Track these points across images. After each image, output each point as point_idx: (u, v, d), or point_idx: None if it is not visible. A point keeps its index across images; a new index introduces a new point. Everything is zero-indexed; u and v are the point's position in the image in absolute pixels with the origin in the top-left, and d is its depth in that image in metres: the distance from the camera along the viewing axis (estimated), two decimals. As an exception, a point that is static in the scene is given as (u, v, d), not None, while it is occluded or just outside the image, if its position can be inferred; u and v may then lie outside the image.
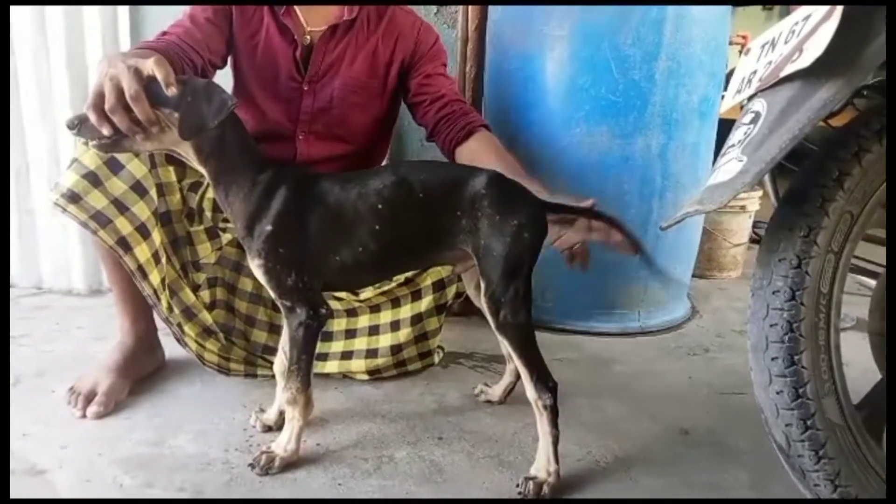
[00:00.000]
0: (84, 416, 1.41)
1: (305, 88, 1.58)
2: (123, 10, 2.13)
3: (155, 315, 1.59)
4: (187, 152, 1.21)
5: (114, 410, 1.44)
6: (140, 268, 1.41)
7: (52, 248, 2.23)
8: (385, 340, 1.66)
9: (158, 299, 1.46)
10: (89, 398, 1.43)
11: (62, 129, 2.11)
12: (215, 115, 1.15)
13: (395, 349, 1.65)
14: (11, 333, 1.84)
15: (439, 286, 1.66)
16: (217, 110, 1.14)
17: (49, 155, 2.15)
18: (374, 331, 1.67)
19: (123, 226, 1.38)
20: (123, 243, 1.38)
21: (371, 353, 1.65)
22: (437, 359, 1.74)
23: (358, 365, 1.65)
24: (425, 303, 1.67)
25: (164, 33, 1.45)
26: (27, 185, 2.19)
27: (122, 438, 1.35)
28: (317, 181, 1.26)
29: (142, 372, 1.58)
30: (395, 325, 1.67)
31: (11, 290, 2.23)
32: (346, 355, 1.66)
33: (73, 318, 2.01)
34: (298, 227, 1.22)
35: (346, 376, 1.66)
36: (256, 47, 1.56)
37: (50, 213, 2.19)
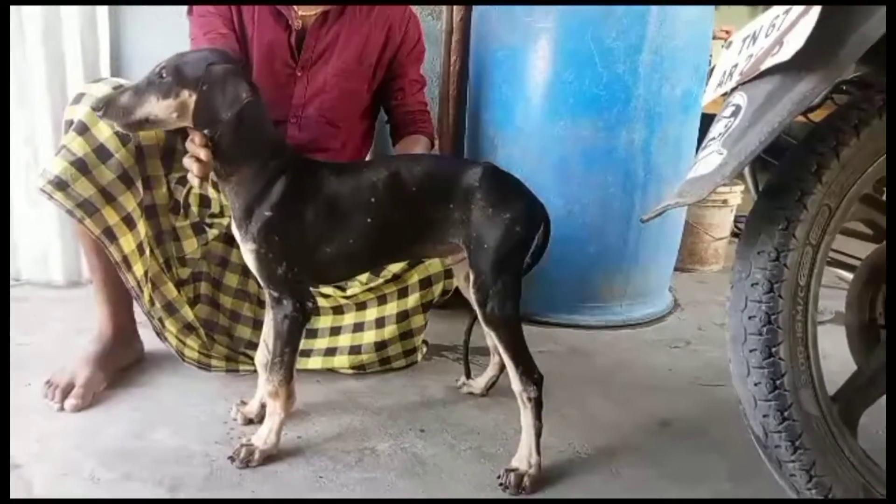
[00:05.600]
0: (62, 408, 1.39)
1: (299, 74, 1.60)
2: (102, 10, 2.10)
3: (135, 308, 1.57)
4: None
5: (92, 403, 1.43)
6: (125, 259, 1.38)
7: (30, 239, 2.19)
8: (369, 337, 1.65)
9: (141, 291, 1.44)
10: (67, 391, 1.41)
11: (40, 120, 2.08)
12: (228, 107, 1.14)
13: (380, 346, 1.65)
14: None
15: (426, 283, 1.65)
16: (230, 103, 1.15)
17: (27, 145, 2.11)
18: (358, 328, 1.67)
19: (110, 215, 1.35)
20: (109, 233, 1.35)
21: (355, 350, 1.64)
22: (420, 356, 1.74)
23: (341, 361, 1.64)
24: (411, 300, 1.66)
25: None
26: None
27: (101, 431, 1.33)
28: (316, 171, 1.26)
29: (120, 364, 1.56)
30: (380, 322, 1.66)
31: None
32: (330, 352, 1.65)
33: (52, 311, 1.98)
34: (295, 217, 1.22)
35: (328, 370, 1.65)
36: (251, 34, 1.57)
37: (27, 204, 2.15)
